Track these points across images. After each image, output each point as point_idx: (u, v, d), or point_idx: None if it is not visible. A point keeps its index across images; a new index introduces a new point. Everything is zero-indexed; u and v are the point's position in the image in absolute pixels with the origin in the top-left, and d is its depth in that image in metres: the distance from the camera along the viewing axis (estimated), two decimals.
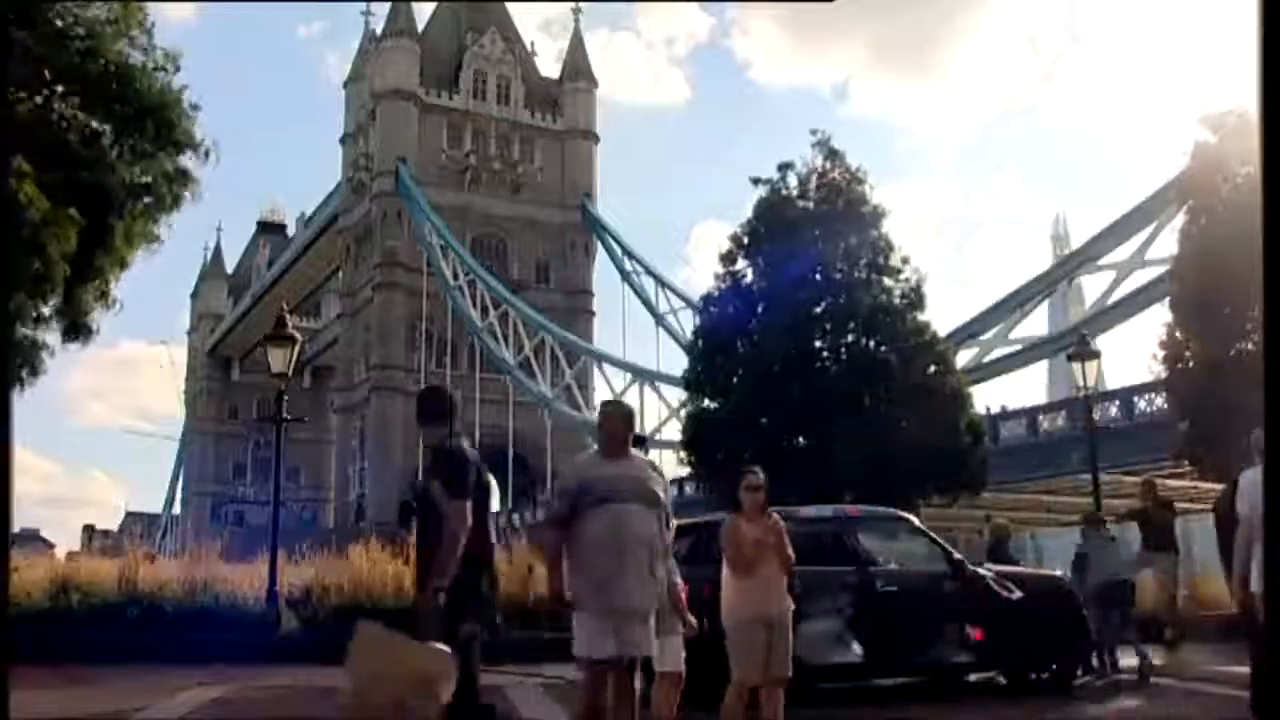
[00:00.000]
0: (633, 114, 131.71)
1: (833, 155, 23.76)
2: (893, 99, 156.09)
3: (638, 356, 62.83)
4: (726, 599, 5.84)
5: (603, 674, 4.68)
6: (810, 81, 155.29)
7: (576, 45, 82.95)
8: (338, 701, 4.45)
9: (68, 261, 11.22)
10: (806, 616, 6.76)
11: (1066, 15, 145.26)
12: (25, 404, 14.24)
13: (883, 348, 22.18)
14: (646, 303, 69.16)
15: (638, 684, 4.99)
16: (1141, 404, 31.41)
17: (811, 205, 23.45)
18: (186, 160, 12.57)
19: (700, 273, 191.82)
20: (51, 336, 12.85)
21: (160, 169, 12.21)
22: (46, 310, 12.37)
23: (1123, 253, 41.23)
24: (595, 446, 5.19)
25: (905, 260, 23.24)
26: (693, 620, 5.56)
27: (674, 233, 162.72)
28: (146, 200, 12.36)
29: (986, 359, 42.51)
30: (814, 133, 24.13)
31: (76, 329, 12.68)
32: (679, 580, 5.52)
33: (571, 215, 76.80)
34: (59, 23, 11.88)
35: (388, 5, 78.40)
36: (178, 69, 12.55)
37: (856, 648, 8.09)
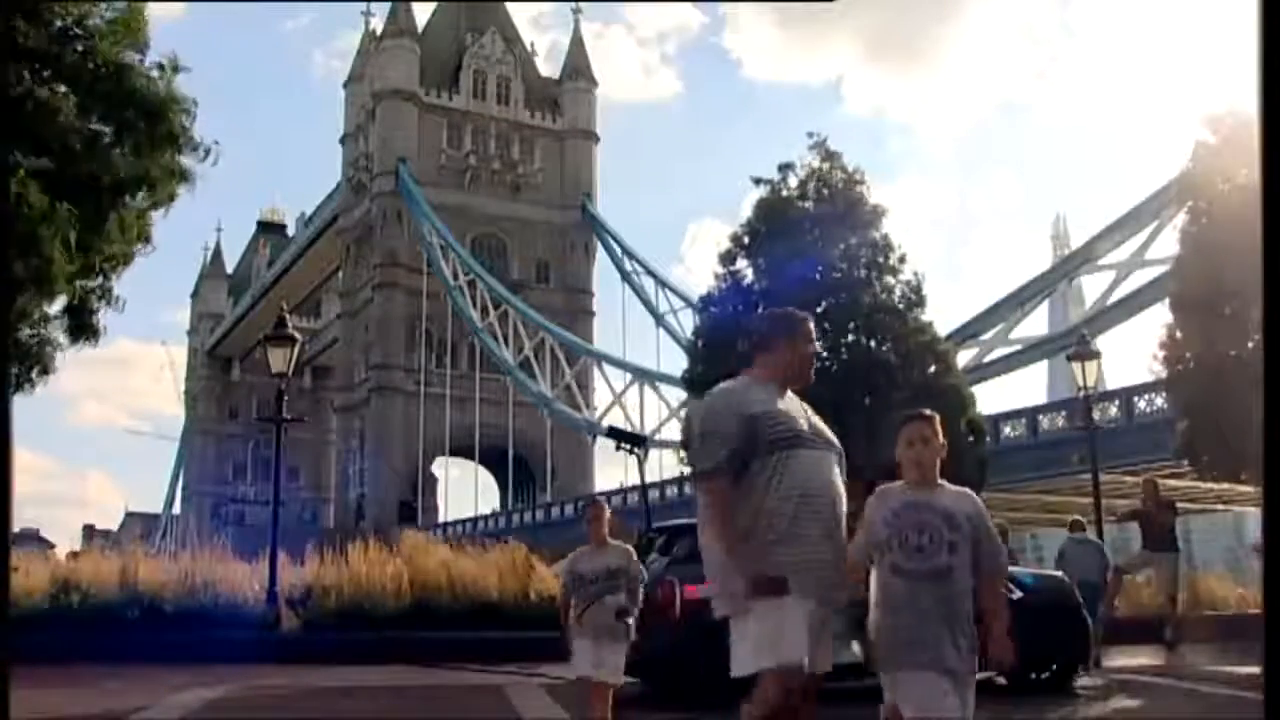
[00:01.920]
0: (625, 111, 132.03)
1: (830, 156, 23.79)
2: (888, 96, 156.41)
3: (638, 356, 62.96)
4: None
5: (796, 691, 3.41)
6: (804, 78, 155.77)
7: (576, 45, 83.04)
8: None
9: (67, 259, 11.20)
10: None
11: (1062, 12, 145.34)
12: (24, 404, 14.24)
13: (883, 348, 22.19)
14: (646, 303, 69.21)
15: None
16: (1141, 404, 31.43)
17: (811, 205, 23.47)
18: (185, 159, 12.57)
19: (696, 271, 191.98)
20: (58, 336, 12.82)
21: (155, 165, 12.19)
22: (51, 310, 12.34)
23: (1123, 253, 41.29)
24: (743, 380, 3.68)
25: (903, 259, 23.26)
26: None
27: (668, 230, 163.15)
28: (140, 196, 12.34)
29: (986, 359, 42.54)
30: (810, 135, 24.17)
31: (83, 329, 12.65)
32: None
33: (571, 215, 76.87)
34: (59, 23, 11.90)
35: (388, 5, 78.59)
36: (178, 70, 12.56)
37: (856, 648, 8.07)
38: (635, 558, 5.54)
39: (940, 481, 3.54)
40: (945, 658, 3.36)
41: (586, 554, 5.50)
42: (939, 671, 3.35)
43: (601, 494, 59.32)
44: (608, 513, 5.67)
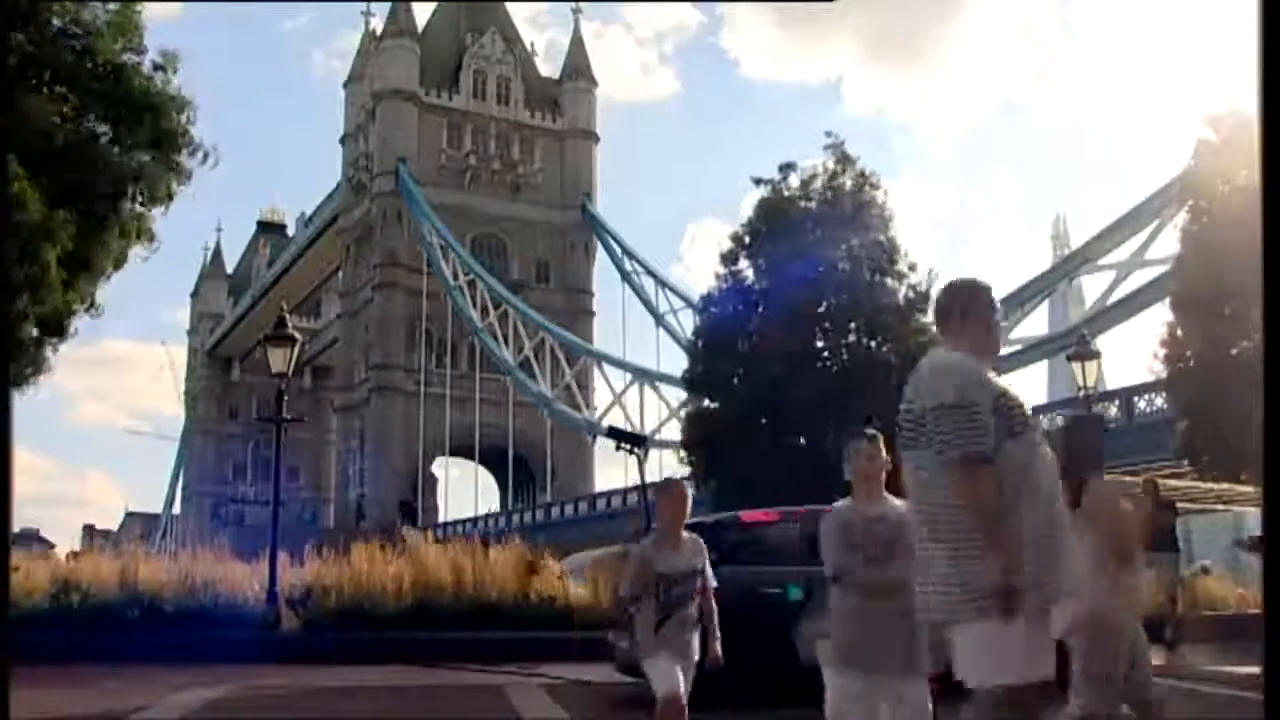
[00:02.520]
0: (623, 110, 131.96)
1: (845, 159, 23.88)
2: (887, 96, 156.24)
3: (638, 356, 62.95)
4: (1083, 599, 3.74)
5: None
6: (803, 78, 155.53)
7: (576, 45, 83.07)
8: None
9: (64, 266, 11.23)
10: (810, 615, 6.76)
11: (1062, 12, 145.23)
12: (24, 404, 14.25)
13: (884, 349, 22.21)
14: (646, 303, 69.21)
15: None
16: (1141, 404, 31.44)
17: (814, 205, 23.52)
18: (184, 159, 12.59)
19: (695, 271, 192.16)
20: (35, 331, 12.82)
21: (153, 162, 12.21)
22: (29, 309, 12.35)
23: (1123, 253, 41.31)
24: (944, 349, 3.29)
25: (913, 267, 23.38)
26: None
27: (668, 230, 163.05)
28: (139, 197, 12.36)
29: None
30: (828, 134, 24.32)
31: (53, 328, 12.66)
32: None
33: (571, 215, 76.89)
34: (56, 22, 11.92)
35: (387, 5, 78.61)
36: (175, 70, 12.59)
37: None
38: (705, 550, 4.55)
39: (885, 494, 3.77)
40: (912, 661, 3.59)
41: (663, 548, 4.42)
42: (912, 673, 3.59)
43: (601, 493, 59.37)
44: (691, 497, 4.56)
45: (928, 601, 3.12)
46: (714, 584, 4.45)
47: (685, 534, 4.46)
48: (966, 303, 3.36)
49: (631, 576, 4.40)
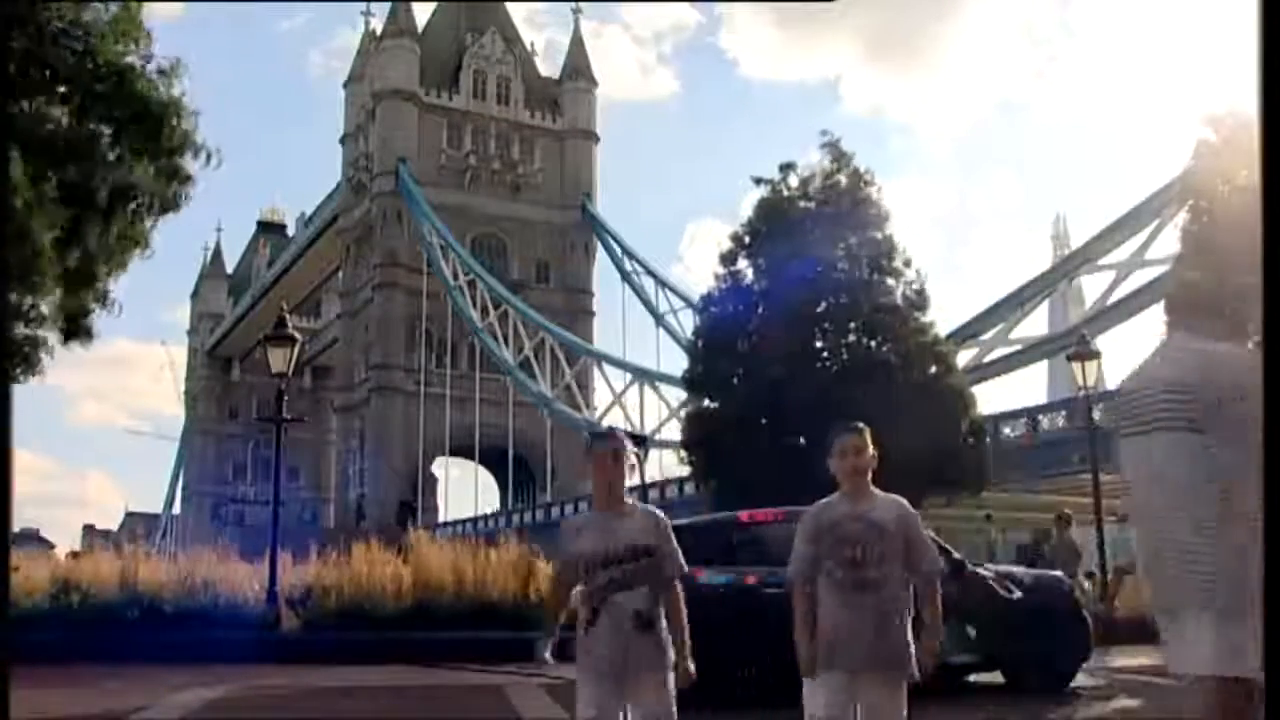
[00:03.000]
0: (623, 110, 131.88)
1: (841, 158, 23.88)
2: (886, 95, 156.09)
3: (638, 356, 62.93)
4: None
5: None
6: (801, 78, 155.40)
7: (576, 45, 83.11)
8: None
9: (56, 253, 11.19)
10: None
11: (1062, 12, 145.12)
12: (23, 404, 14.25)
13: (884, 348, 22.22)
14: (646, 303, 69.21)
15: None
16: None
17: (813, 205, 23.54)
18: (187, 163, 12.56)
19: (695, 271, 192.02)
20: (50, 336, 12.82)
21: (156, 170, 12.18)
22: (45, 309, 12.35)
23: (1123, 253, 41.31)
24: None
25: (908, 263, 23.37)
26: None
27: (667, 230, 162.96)
28: (138, 201, 12.34)
29: (986, 359, 42.54)
30: (823, 133, 24.31)
31: (76, 330, 12.66)
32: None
33: (571, 215, 76.91)
34: (57, 24, 11.89)
35: (387, 5, 78.63)
36: (180, 75, 12.55)
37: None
38: (669, 529, 3.44)
39: (873, 490, 3.67)
40: (879, 660, 3.51)
41: (592, 521, 3.48)
42: (889, 674, 3.53)
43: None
44: (632, 454, 3.53)
45: (1182, 590, 3.16)
46: (681, 570, 3.40)
47: (636, 505, 3.52)
48: (1226, 296, 3.48)
49: (556, 566, 3.62)
